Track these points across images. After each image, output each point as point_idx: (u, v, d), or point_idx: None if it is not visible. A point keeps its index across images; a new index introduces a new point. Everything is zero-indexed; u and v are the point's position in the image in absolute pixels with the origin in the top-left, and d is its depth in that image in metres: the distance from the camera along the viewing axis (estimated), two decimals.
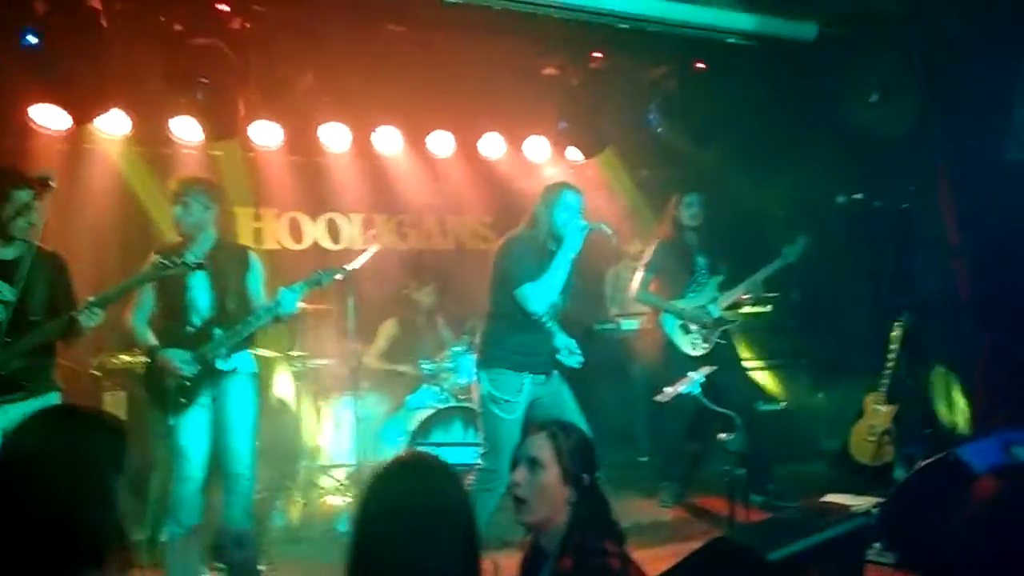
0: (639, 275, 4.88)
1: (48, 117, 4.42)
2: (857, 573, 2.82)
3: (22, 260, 3.17)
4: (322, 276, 3.77)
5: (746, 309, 5.09)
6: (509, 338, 3.61)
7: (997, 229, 4.26)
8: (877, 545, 3.38)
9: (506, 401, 3.55)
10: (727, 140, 5.64)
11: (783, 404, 5.45)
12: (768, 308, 5.37)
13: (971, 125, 4.34)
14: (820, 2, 4.93)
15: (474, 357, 4.76)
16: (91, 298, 3.26)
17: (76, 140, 4.73)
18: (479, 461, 3.65)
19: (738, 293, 4.88)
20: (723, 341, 4.80)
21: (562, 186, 3.74)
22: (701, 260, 4.92)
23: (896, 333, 4.82)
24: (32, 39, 4.02)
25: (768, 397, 5.33)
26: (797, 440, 5.34)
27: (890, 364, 4.84)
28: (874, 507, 3.88)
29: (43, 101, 4.35)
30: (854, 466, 4.88)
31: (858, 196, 4.89)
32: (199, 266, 3.51)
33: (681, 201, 4.88)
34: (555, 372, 3.75)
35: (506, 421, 3.54)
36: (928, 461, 3.43)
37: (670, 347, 4.80)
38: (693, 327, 4.80)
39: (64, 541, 1.37)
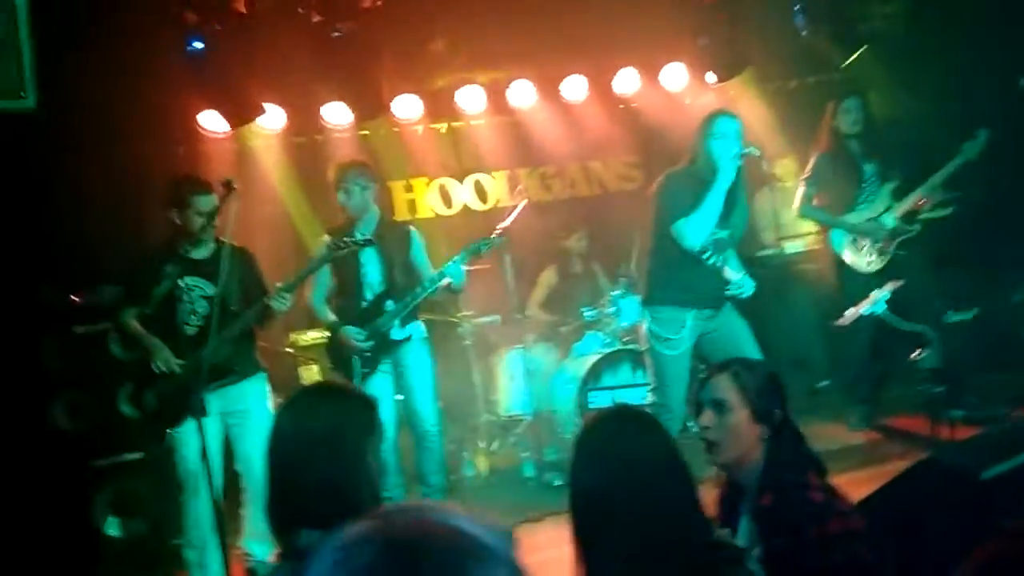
0: (800, 191, 4.63)
1: (213, 121, 4.78)
2: None
3: (217, 258, 3.48)
4: (481, 245, 3.92)
5: (926, 215, 4.70)
6: (670, 275, 3.58)
7: None
8: None
9: (668, 339, 3.54)
10: (885, 35, 5.17)
11: (975, 311, 5.02)
12: (950, 211, 4.93)
13: None
14: None
15: (635, 298, 4.82)
16: (279, 284, 3.54)
17: (240, 139, 5.08)
18: (649, 397, 3.71)
19: (915, 199, 4.51)
20: (903, 252, 4.48)
21: (716, 114, 3.62)
22: (869, 168, 4.58)
23: None
24: (198, 44, 4.32)
25: (959, 305, 4.93)
26: (996, 347, 4.93)
27: None
28: None
29: (208, 107, 4.71)
30: None
31: None
32: (368, 243, 3.73)
33: (839, 108, 4.55)
34: (726, 304, 3.67)
35: (670, 357, 3.55)
36: None
37: (842, 267, 4.55)
38: (866, 242, 4.52)
39: (331, 500, 1.56)
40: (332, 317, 3.89)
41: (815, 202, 4.61)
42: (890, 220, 4.50)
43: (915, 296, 4.14)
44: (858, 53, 5.59)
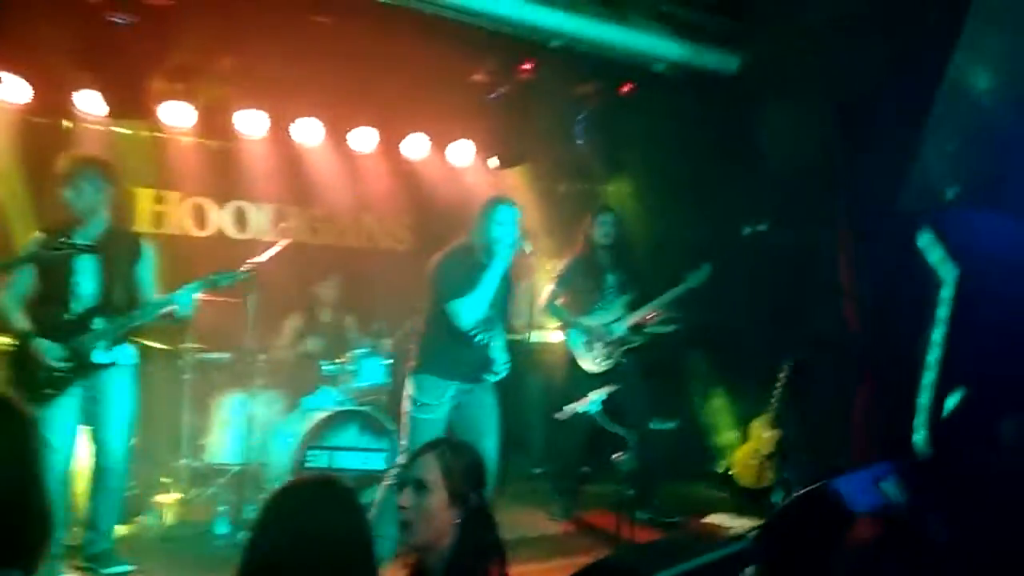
0: (549, 288, 4.93)
1: None
2: None
3: None
4: (221, 278, 3.71)
5: (652, 329, 5.20)
6: (441, 348, 3.72)
7: (886, 274, 4.48)
8: (749, 570, 3.50)
9: (426, 404, 3.67)
10: (647, 162, 5.76)
11: (675, 423, 5.60)
12: (671, 329, 5.51)
13: (873, 170, 4.56)
14: (745, 36, 5.12)
15: (379, 359, 4.80)
16: None
17: None
18: (398, 461, 3.75)
19: (643, 314, 4.98)
20: (625, 360, 4.89)
21: (498, 201, 3.81)
22: (611, 278, 5.00)
23: (786, 363, 5.04)
24: None
25: (663, 414, 5.48)
26: (686, 460, 5.51)
27: (777, 391, 5.05)
28: (752, 530, 4.03)
29: None
30: (737, 488, 5.08)
31: (762, 227, 5.07)
32: (88, 249, 3.35)
33: (595, 219, 4.96)
34: (485, 381, 3.85)
35: (425, 421, 3.65)
36: (804, 491, 3.56)
37: (573, 363, 4.87)
38: (596, 344, 4.88)
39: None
40: (24, 325, 3.40)
41: (560, 301, 4.92)
42: (620, 328, 4.91)
43: (627, 401, 4.52)
44: (617, 172, 6.16)
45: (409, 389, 3.74)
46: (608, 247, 4.95)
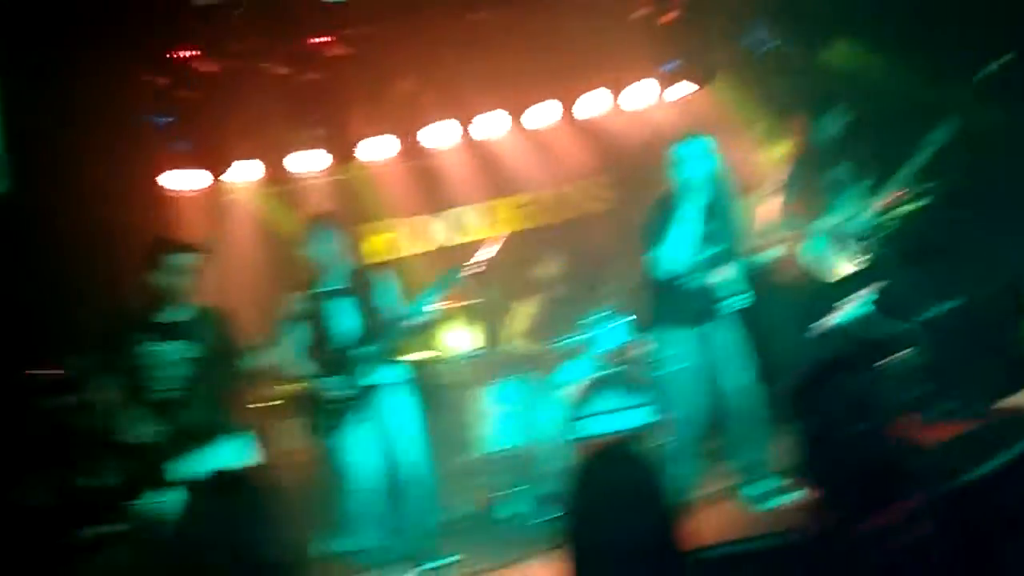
0: (776, 200, 4.60)
1: (183, 180, 4.81)
2: None
3: (192, 320, 3.48)
4: (443, 280, 3.94)
5: (903, 209, 4.67)
6: (665, 296, 3.69)
7: None
8: None
9: (670, 357, 3.68)
10: (846, 35, 5.17)
11: (961, 300, 4.97)
12: (927, 201, 4.90)
13: None
14: None
15: (618, 321, 4.80)
16: (255, 341, 3.55)
17: (215, 194, 5.10)
18: (663, 415, 3.84)
19: (889, 193, 4.49)
20: (883, 251, 4.44)
21: (680, 138, 3.71)
22: (842, 168, 4.56)
23: None
24: (164, 119, 4.39)
25: (943, 296, 4.89)
26: (985, 336, 4.86)
27: None
28: None
29: (179, 167, 4.76)
30: None
31: (1008, 58, 4.34)
32: (340, 293, 3.74)
33: (814, 119, 4.53)
34: (721, 318, 3.76)
35: (676, 375, 3.67)
36: None
37: (822, 272, 4.51)
38: (848, 243, 4.48)
39: None
40: (307, 370, 3.86)
41: (791, 209, 4.58)
42: (868, 218, 4.47)
43: (901, 292, 4.12)
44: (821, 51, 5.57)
45: (650, 347, 3.76)
46: (832, 140, 4.52)
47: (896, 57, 5.13)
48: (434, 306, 3.85)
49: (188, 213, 4.89)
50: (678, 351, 3.65)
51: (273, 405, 4.60)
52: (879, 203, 4.47)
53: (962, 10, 4.59)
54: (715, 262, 3.67)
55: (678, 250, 3.56)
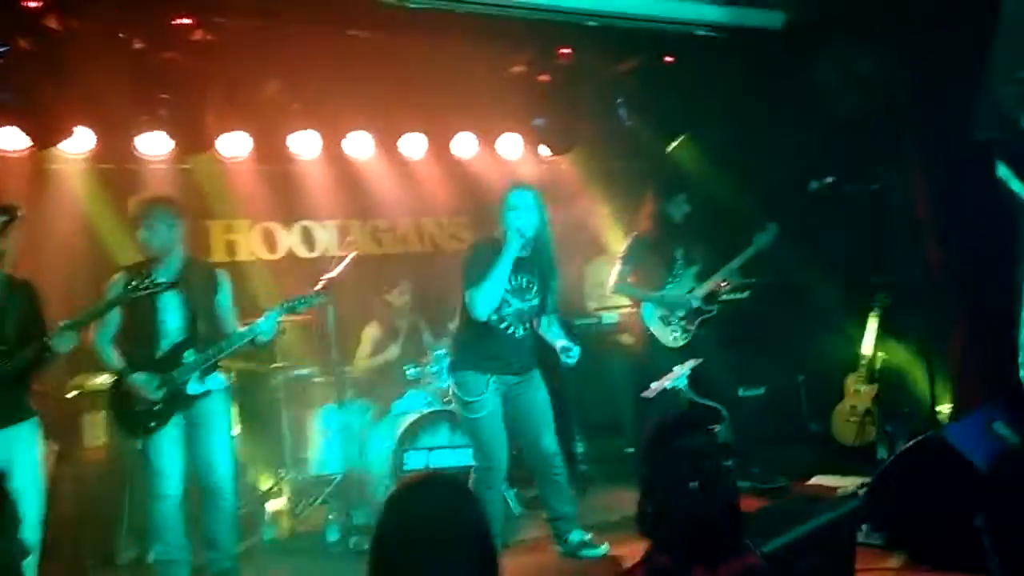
0: (616, 268, 4.89)
1: (8, 139, 4.33)
2: (849, 556, 2.85)
3: None
4: (298, 302, 3.81)
5: (724, 297, 5.12)
6: (472, 341, 3.66)
7: (968, 208, 4.32)
8: (864, 527, 3.42)
9: (470, 402, 3.62)
10: (698, 131, 5.66)
11: (763, 388, 5.50)
12: (746, 295, 5.41)
13: (939, 105, 4.40)
14: None
15: None
16: (63, 323, 3.20)
17: (38, 161, 4.63)
18: (472, 462, 3.73)
19: (715, 282, 4.90)
20: (703, 331, 4.82)
21: (510, 185, 3.72)
22: (678, 252, 4.93)
23: (874, 313, 4.90)
24: None
25: (748, 382, 5.38)
26: (780, 423, 5.40)
27: (868, 344, 4.92)
28: (860, 488, 3.94)
29: (4, 124, 4.27)
30: (838, 447, 4.96)
31: (829, 180, 4.93)
32: (170, 285, 3.47)
33: (668, 197, 4.86)
34: (532, 372, 3.80)
35: (477, 420, 3.62)
36: (914, 441, 3.47)
37: (651, 340, 4.82)
38: (673, 319, 4.82)
39: None
40: (119, 363, 3.55)
41: (629, 279, 4.87)
42: (694, 300, 4.84)
43: (712, 372, 4.45)
44: (677, 142, 6.07)
45: (453, 387, 3.70)
46: (679, 224, 4.88)
47: (735, 160, 5.69)
48: (273, 330, 3.67)
49: (8, 174, 4.37)
50: (476, 398, 3.60)
51: (76, 395, 4.17)
52: (704, 288, 4.87)
53: (800, 129, 5.18)
54: (522, 317, 3.70)
55: (491, 295, 3.52)
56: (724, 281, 4.96)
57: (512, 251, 3.52)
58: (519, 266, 3.61)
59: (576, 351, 3.70)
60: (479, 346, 3.62)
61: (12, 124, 4.28)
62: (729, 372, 4.83)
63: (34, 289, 3.34)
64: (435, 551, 1.55)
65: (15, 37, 4.09)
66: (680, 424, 2.00)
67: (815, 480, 4.51)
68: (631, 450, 5.48)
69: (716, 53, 5.21)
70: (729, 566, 1.76)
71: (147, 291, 3.37)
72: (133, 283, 3.37)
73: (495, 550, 1.64)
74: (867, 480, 3.80)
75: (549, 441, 3.75)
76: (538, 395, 3.79)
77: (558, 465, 3.81)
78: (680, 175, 5.30)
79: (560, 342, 3.75)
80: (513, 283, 3.63)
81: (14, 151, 4.39)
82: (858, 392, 4.91)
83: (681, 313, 4.79)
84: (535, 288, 3.71)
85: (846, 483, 4.27)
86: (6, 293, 3.13)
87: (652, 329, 4.82)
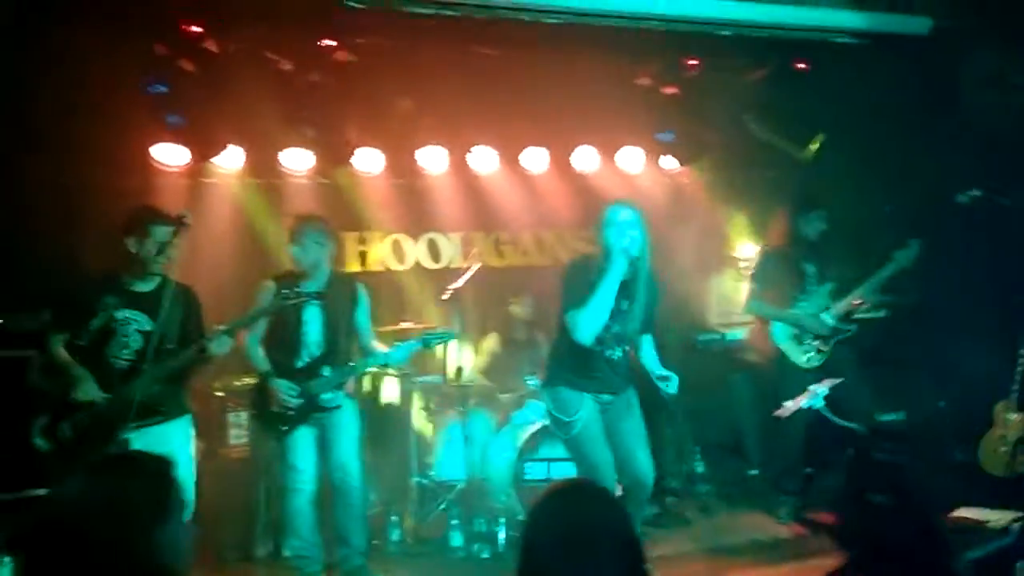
0: (748, 286, 4.77)
1: (170, 155, 4.70)
2: None
3: (160, 293, 3.37)
4: (431, 338, 4.03)
5: (859, 316, 4.89)
6: (569, 359, 3.50)
7: None
8: (1019, 564, 3.17)
9: (567, 421, 3.45)
10: (835, 141, 5.44)
11: (903, 413, 5.20)
12: (883, 314, 5.15)
13: None
14: None
15: None
16: (220, 327, 3.44)
17: (195, 175, 5.00)
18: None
19: (850, 301, 4.70)
20: (839, 351, 4.63)
21: (612, 203, 3.54)
22: (810, 268, 4.77)
23: None
24: (161, 88, 4.29)
25: (886, 406, 5.10)
26: (921, 450, 5.08)
27: (1020, 369, 4.57)
28: (1014, 522, 3.66)
29: (166, 141, 4.64)
30: (984, 478, 4.62)
31: (976, 193, 4.62)
32: (317, 296, 3.69)
33: (804, 214, 4.71)
34: (629, 391, 3.63)
35: (573, 438, 3.46)
36: None
37: (782, 359, 4.66)
38: (807, 337, 4.65)
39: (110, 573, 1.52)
40: (266, 366, 3.81)
41: (761, 296, 4.74)
42: (829, 318, 4.66)
43: (849, 394, 4.25)
44: (812, 149, 5.78)
45: (547, 403, 3.58)
46: (814, 242, 4.71)
47: (875, 173, 5.43)
48: (408, 353, 3.92)
49: (171, 188, 4.75)
50: (571, 417, 3.44)
51: (225, 395, 4.48)
52: (839, 307, 4.67)
53: (942, 140, 4.90)
54: (620, 340, 3.53)
55: (595, 317, 3.34)
56: (859, 300, 4.75)
57: (618, 273, 3.34)
58: (621, 287, 3.41)
59: (675, 381, 3.44)
60: (575, 364, 3.49)
61: (177, 142, 4.65)
62: (867, 395, 4.61)
63: (195, 293, 3.62)
64: (589, 557, 1.56)
65: (180, 60, 4.46)
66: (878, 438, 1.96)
67: (961, 512, 4.22)
68: (754, 472, 5.31)
69: (853, 60, 5.00)
70: None
71: (295, 301, 3.61)
72: (283, 292, 3.61)
73: (644, 557, 1.64)
74: (1020, 515, 3.53)
75: (644, 459, 3.56)
76: (632, 415, 3.61)
77: (648, 486, 3.56)
78: (816, 190, 5.08)
79: (657, 371, 3.52)
80: (614, 305, 3.43)
81: (171, 167, 4.75)
82: (1008, 420, 4.57)
83: (816, 333, 4.62)
84: (636, 310, 3.52)
85: (995, 516, 3.97)
86: (173, 297, 3.39)
87: (783, 348, 4.67)
